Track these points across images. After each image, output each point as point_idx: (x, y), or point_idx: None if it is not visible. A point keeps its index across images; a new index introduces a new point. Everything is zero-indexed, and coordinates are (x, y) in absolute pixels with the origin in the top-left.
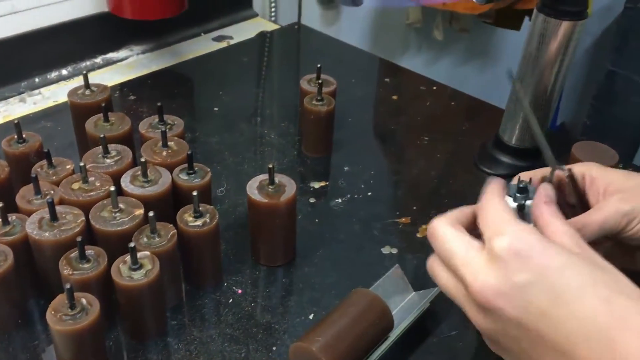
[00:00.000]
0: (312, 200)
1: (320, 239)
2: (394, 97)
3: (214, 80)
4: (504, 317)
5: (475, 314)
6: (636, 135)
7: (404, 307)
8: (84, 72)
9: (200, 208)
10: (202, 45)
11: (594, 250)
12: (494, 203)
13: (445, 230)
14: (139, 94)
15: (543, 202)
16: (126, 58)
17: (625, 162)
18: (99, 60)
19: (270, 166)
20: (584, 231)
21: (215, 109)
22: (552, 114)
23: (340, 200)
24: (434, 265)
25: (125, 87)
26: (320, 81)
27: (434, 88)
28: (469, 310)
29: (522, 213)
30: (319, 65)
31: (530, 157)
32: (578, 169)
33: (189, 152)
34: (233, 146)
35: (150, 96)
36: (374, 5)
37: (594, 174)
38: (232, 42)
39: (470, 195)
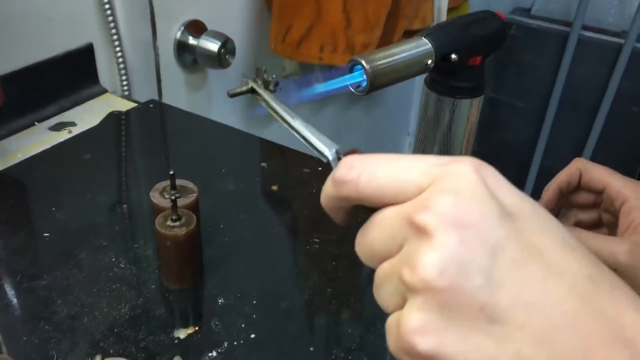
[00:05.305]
0: None
1: None
2: (274, 188)
3: (47, 191)
4: None
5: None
6: (523, 158)
7: None
8: None
9: None
10: (36, 139)
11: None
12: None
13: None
14: None
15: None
16: None
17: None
18: None
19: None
20: (610, 251)
21: (46, 234)
22: None
23: (214, 353)
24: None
25: None
26: (175, 192)
27: (320, 169)
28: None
29: None
30: (172, 172)
31: None
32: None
33: None
34: (68, 290)
35: None
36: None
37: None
38: (74, 129)
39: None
